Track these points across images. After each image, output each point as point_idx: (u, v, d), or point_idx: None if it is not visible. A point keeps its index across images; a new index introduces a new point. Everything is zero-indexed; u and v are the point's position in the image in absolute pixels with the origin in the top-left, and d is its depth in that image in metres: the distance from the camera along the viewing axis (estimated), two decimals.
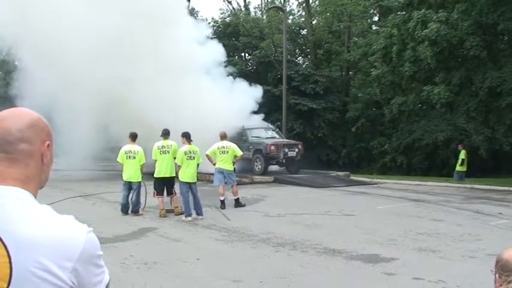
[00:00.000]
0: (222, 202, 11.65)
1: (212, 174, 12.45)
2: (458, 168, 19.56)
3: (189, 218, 10.11)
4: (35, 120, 1.33)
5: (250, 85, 21.27)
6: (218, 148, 11.75)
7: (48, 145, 1.34)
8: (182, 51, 17.95)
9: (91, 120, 17.26)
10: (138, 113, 16.30)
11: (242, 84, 20.85)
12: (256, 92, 20.74)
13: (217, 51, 20.26)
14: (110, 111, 17.07)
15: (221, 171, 11.74)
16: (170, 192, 10.94)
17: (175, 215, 10.60)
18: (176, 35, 18.12)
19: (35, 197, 1.27)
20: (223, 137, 11.92)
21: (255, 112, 20.46)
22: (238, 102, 18.99)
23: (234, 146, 12.01)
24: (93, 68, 16.37)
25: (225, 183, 11.91)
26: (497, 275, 1.73)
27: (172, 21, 18.13)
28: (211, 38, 24.51)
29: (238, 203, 11.75)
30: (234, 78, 21.16)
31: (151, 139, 11.70)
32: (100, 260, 1.26)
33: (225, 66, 21.28)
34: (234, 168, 12.12)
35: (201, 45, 19.84)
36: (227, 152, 11.73)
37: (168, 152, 10.80)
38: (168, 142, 10.95)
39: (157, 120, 14.23)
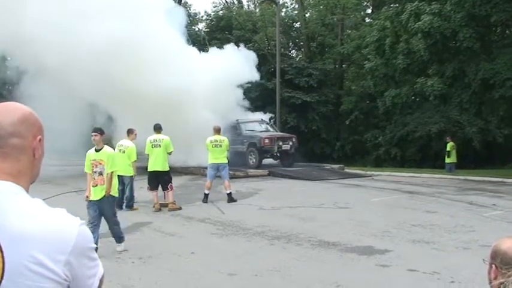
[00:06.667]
0: (206, 196, 11.65)
1: (206, 168, 12.40)
2: (446, 160, 19.76)
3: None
4: (27, 114, 1.33)
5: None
6: (211, 142, 11.70)
7: (39, 140, 1.33)
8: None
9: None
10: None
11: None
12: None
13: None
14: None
15: (214, 167, 11.73)
16: (165, 188, 10.92)
17: (169, 210, 10.55)
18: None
19: (27, 191, 1.27)
20: (217, 130, 11.89)
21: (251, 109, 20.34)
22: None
23: (227, 139, 11.98)
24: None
25: (219, 176, 11.92)
26: (493, 266, 1.71)
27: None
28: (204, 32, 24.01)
29: (231, 198, 11.72)
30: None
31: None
32: (93, 252, 1.26)
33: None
34: (228, 161, 12.09)
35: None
36: (220, 145, 11.69)
37: (160, 146, 10.87)
38: (160, 136, 11.00)
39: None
